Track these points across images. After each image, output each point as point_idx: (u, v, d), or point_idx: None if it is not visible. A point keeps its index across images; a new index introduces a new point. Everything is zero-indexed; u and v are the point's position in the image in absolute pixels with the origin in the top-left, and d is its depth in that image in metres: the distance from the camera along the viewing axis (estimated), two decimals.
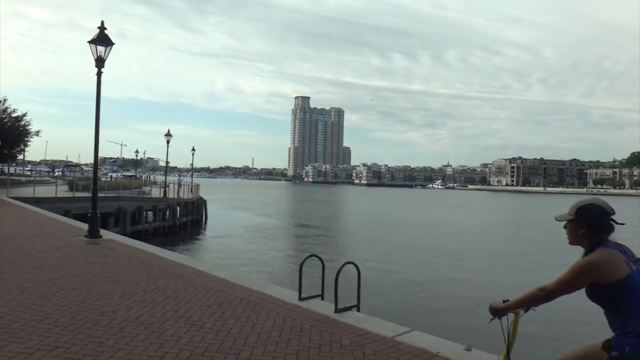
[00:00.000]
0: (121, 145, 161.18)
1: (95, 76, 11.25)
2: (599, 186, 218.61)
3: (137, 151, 62.93)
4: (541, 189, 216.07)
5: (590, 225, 2.56)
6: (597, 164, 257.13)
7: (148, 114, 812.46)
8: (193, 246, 26.28)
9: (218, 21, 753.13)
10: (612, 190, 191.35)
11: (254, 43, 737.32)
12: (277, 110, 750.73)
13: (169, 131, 32.12)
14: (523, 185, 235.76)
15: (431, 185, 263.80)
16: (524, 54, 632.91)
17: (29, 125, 34.46)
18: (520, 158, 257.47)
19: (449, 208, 70.45)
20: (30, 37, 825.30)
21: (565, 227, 2.71)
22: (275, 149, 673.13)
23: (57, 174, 72.47)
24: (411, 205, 76.47)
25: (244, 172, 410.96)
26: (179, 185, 35.09)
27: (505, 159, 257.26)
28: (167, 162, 34.84)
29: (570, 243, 2.71)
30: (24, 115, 34.07)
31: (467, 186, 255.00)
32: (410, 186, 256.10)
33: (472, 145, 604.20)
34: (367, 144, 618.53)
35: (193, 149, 42.98)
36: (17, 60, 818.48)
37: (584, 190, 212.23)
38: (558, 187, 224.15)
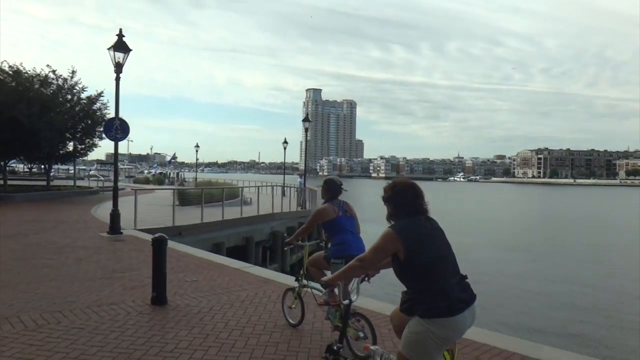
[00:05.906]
0: (128, 141, 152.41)
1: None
2: (632, 177, 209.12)
3: (199, 149, 53.36)
4: (570, 180, 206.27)
5: (327, 189, 4.79)
6: (625, 154, 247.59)
7: (151, 109, 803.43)
8: None
9: (216, 14, 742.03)
10: None
11: (253, 36, 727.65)
12: (279, 104, 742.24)
13: (307, 116, 22.65)
14: (550, 177, 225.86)
15: (452, 178, 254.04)
16: (525, 44, 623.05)
17: (106, 109, 23.64)
18: (546, 149, 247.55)
19: (510, 204, 66.27)
20: (30, 34, 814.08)
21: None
22: (280, 142, 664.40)
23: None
24: (495, 202, 67.62)
25: (253, 167, 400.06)
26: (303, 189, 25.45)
27: (531, 150, 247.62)
28: (305, 157, 25.45)
29: (322, 198, 4.89)
30: (100, 94, 23.38)
31: (490, 178, 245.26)
32: (431, 179, 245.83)
33: (476, 137, 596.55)
34: (370, 136, 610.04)
35: (285, 142, 34.10)
36: (19, 56, 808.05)
37: (617, 181, 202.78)
38: (588, 178, 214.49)
